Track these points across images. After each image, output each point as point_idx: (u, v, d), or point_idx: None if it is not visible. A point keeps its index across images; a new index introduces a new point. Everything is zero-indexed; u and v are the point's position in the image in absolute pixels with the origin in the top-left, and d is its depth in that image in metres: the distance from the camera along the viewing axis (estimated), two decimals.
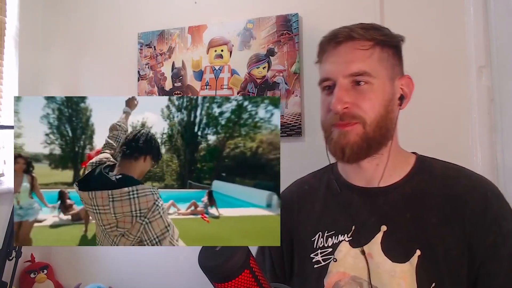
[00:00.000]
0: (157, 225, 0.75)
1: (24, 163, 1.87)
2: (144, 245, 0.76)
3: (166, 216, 0.77)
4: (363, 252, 0.82)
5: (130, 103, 1.13)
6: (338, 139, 0.83)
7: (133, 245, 0.77)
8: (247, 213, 2.97)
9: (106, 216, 0.77)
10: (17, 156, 1.85)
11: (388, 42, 0.85)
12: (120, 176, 0.79)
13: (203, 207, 2.85)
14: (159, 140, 0.88)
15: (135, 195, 0.75)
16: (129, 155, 0.82)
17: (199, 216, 2.78)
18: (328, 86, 0.85)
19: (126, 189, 0.75)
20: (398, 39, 0.87)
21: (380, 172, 0.86)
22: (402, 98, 0.87)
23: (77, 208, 2.47)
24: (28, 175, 1.88)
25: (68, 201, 2.51)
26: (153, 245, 0.75)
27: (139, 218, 0.75)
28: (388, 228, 0.82)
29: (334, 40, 0.84)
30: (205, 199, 2.92)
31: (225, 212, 2.86)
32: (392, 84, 0.85)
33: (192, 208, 2.83)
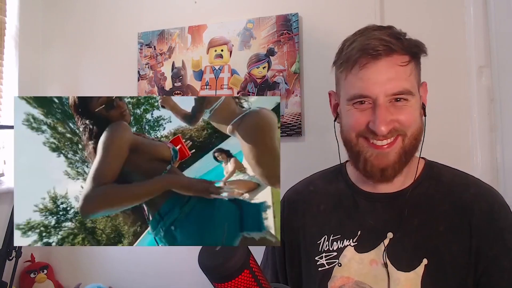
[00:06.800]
0: None
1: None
2: None
3: None
4: (385, 265, 0.80)
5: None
6: (376, 160, 0.80)
7: None
8: None
9: None
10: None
11: (419, 54, 0.83)
12: None
13: None
14: None
15: None
16: None
17: None
18: (360, 101, 0.80)
19: None
20: (425, 48, 0.84)
21: (396, 180, 0.85)
22: (423, 107, 0.86)
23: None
24: None
25: None
26: None
27: None
28: (394, 235, 0.81)
29: (371, 53, 0.76)
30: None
31: None
32: (420, 95, 0.84)
33: None
